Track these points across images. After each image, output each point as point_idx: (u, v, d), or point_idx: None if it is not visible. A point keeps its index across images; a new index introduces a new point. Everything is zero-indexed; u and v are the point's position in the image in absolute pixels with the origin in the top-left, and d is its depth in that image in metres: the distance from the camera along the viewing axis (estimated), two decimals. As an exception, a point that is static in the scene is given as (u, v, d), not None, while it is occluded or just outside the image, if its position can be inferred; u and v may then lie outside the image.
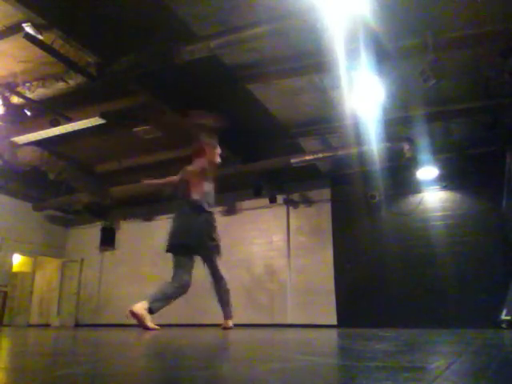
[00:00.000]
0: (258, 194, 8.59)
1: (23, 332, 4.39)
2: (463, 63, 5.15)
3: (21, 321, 10.03)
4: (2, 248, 9.41)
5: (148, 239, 10.08)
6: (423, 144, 6.47)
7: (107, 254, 10.46)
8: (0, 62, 5.30)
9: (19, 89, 5.57)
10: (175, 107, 5.95)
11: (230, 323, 3.91)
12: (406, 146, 6.51)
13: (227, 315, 3.90)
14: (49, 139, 6.92)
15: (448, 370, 0.84)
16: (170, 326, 8.06)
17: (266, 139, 7.22)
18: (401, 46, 4.77)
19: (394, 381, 0.70)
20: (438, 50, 4.68)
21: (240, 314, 8.64)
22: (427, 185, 7.55)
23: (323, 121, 6.62)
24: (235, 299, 9.46)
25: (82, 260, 10.86)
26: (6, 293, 9.52)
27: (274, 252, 8.71)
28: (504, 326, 5.33)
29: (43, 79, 5.43)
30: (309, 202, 8.65)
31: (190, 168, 3.85)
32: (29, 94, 5.55)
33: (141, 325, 3.37)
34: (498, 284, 6.25)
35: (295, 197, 8.78)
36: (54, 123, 6.15)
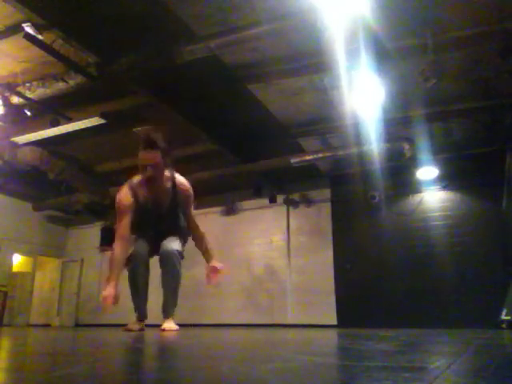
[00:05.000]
0: (257, 194, 8.59)
1: (23, 332, 4.39)
2: (463, 63, 5.15)
3: (21, 321, 10.03)
4: (1, 248, 9.41)
5: (148, 239, 10.08)
6: (423, 144, 6.47)
7: (107, 254, 10.46)
8: (0, 62, 5.30)
9: (19, 89, 5.57)
10: (175, 107, 5.95)
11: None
12: (406, 146, 6.51)
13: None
14: (49, 139, 6.93)
15: (448, 370, 0.84)
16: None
17: (266, 139, 7.22)
18: (401, 46, 4.77)
19: (394, 381, 0.70)
20: (437, 50, 4.68)
21: (240, 314, 8.68)
22: (427, 185, 7.55)
23: (323, 121, 6.62)
24: (235, 299, 9.51)
25: (82, 260, 10.86)
26: (6, 293, 9.52)
27: (274, 252, 8.71)
28: (504, 326, 5.33)
29: (43, 79, 5.43)
30: (309, 201, 8.65)
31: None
32: (29, 94, 5.56)
33: None
34: (497, 284, 6.25)
35: (295, 197, 8.78)
36: (54, 123, 6.15)
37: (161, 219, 3.10)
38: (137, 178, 3.07)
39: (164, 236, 3.08)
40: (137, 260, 3.01)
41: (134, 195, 3.00)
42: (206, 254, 3.18)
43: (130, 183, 3.06)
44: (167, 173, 3.07)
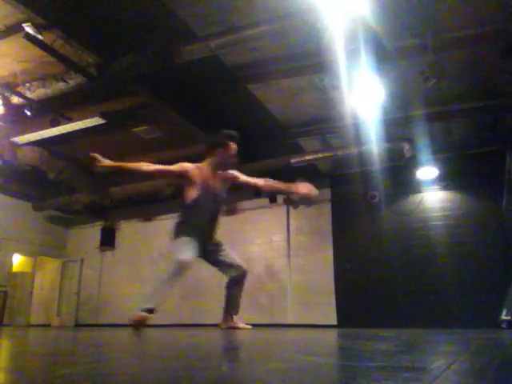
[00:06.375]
0: (258, 194, 8.59)
1: (23, 332, 4.40)
2: (463, 63, 5.15)
3: (21, 321, 10.03)
4: (1, 248, 9.41)
5: (148, 239, 10.08)
6: (423, 144, 6.47)
7: (107, 253, 10.46)
8: (0, 62, 5.30)
9: (19, 89, 5.57)
10: (175, 107, 5.95)
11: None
12: (406, 146, 6.51)
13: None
14: (49, 139, 6.92)
15: (448, 370, 0.84)
16: (169, 326, 8.06)
17: (266, 139, 7.22)
18: (401, 46, 4.77)
19: (394, 381, 0.70)
20: (437, 50, 4.68)
21: (240, 314, 8.66)
22: (427, 185, 7.54)
23: (323, 121, 6.62)
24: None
25: (82, 260, 10.86)
26: (6, 293, 9.52)
27: (274, 252, 8.70)
28: (504, 326, 5.33)
29: (43, 79, 5.43)
30: (309, 201, 8.64)
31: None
32: (29, 94, 5.55)
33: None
34: (497, 284, 6.25)
35: (295, 197, 8.77)
36: (54, 123, 6.15)
37: (214, 205, 3.56)
38: (200, 165, 3.50)
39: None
40: (186, 268, 3.23)
41: (198, 172, 3.47)
42: (283, 188, 3.88)
43: (197, 165, 3.51)
44: None
